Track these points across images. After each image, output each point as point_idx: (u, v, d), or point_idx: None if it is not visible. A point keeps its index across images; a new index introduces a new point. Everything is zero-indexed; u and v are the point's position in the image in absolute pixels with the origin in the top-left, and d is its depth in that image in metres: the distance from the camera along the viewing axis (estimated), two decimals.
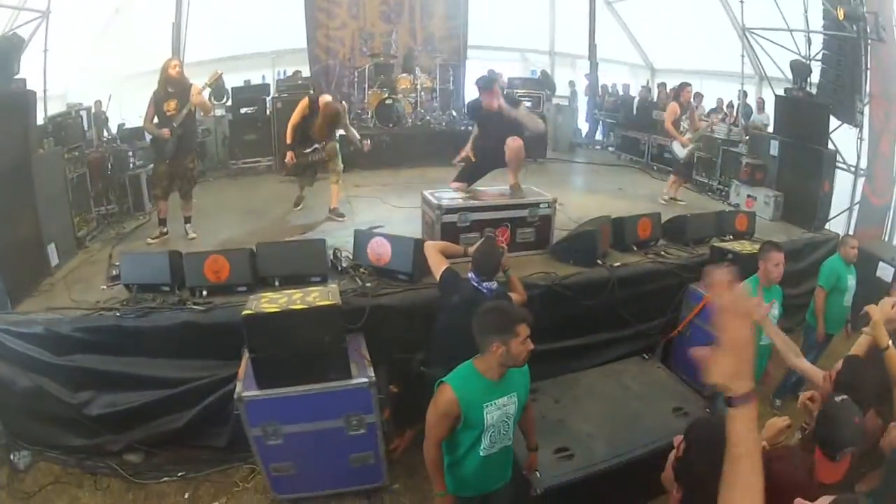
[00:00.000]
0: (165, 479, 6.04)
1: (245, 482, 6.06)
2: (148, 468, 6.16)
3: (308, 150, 9.21)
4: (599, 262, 7.73)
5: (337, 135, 9.50)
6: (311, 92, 10.33)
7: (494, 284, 5.35)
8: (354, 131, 9.76)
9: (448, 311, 5.40)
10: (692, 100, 10.94)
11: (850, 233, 10.41)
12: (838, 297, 7.36)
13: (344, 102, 10.14)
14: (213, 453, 6.33)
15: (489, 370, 3.96)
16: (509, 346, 3.81)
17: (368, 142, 9.95)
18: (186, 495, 5.88)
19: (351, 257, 7.10)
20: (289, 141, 9.16)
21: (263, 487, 5.84)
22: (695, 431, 2.68)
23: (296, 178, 9.97)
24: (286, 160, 9.31)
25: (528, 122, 8.00)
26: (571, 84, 19.37)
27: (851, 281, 7.44)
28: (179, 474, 6.09)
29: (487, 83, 7.82)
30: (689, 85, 10.73)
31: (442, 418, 3.93)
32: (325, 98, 9.05)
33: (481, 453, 4.05)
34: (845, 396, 3.49)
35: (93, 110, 10.37)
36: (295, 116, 9.15)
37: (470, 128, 9.02)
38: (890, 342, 4.15)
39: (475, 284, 5.29)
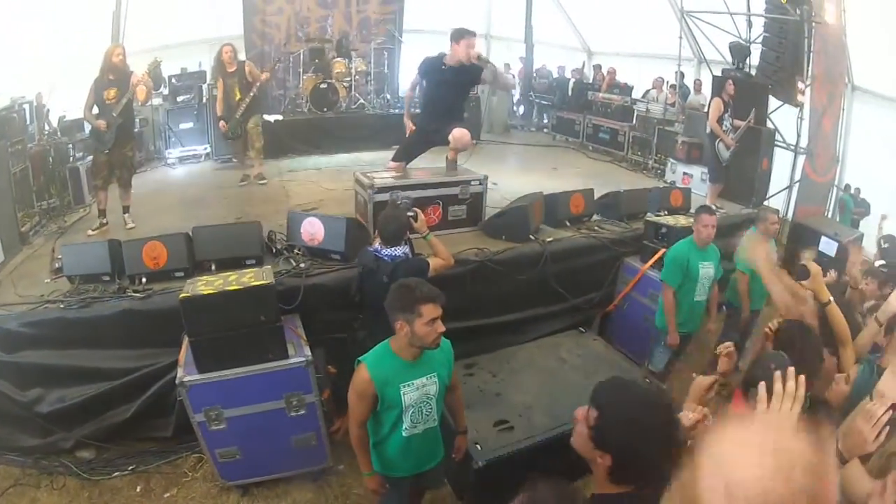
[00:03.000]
0: (117, 473, 6.00)
1: (194, 471, 6.07)
2: (100, 464, 6.12)
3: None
4: (532, 237, 7.84)
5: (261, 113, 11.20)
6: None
7: (399, 251, 5.32)
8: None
9: (360, 282, 5.53)
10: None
11: (791, 209, 10.62)
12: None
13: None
14: (161, 444, 6.34)
15: (402, 350, 3.93)
16: (413, 325, 3.76)
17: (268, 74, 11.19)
18: (139, 489, 5.87)
19: (285, 239, 7.12)
20: (219, 113, 10.77)
21: (212, 475, 5.85)
22: (603, 396, 2.69)
23: (232, 140, 11.22)
24: (220, 128, 10.92)
25: (502, 79, 8.23)
26: (507, 67, 19.42)
27: (773, 255, 7.45)
28: (130, 468, 6.06)
29: (463, 32, 7.52)
30: (730, 79, 10.27)
31: (360, 398, 3.90)
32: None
33: (404, 433, 4.03)
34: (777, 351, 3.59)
35: (34, 103, 10.19)
36: (219, 92, 10.72)
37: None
38: (831, 297, 4.24)
39: (375, 253, 5.32)
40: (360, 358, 3.98)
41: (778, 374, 2.20)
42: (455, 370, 4.36)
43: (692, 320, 6.92)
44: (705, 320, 7.21)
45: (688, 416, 2.94)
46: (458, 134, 7.57)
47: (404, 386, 3.90)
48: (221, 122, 10.70)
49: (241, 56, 11.54)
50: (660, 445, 2.31)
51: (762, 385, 2.19)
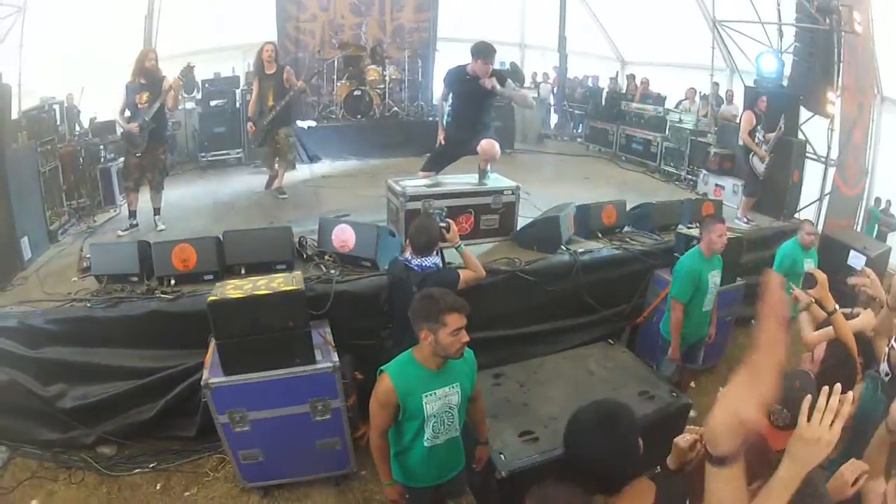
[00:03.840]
0: (138, 470, 6.04)
1: (215, 472, 6.08)
2: (121, 460, 6.17)
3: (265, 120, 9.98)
4: (563, 248, 7.79)
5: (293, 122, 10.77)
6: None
7: (430, 261, 5.31)
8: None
9: (390, 291, 5.51)
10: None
11: (821, 223, 10.51)
12: (794, 282, 7.29)
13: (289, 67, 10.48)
14: (183, 444, 6.37)
15: (426, 359, 3.90)
16: (437, 335, 3.73)
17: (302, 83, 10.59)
18: (158, 486, 5.90)
19: (316, 245, 7.13)
20: (250, 114, 10.22)
21: (233, 476, 5.87)
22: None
23: (262, 147, 10.52)
24: (248, 130, 10.44)
25: (517, 99, 8.07)
26: (545, 76, 19.42)
27: (808, 265, 7.40)
28: (151, 465, 6.09)
29: (485, 50, 7.35)
30: (764, 94, 10.15)
31: (382, 407, 3.87)
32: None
33: (426, 444, 4.01)
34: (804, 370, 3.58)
35: (65, 104, 10.30)
36: (253, 94, 10.16)
37: (437, 118, 8.93)
38: (836, 306, 4.21)
39: (405, 263, 5.30)
40: (382, 367, 3.96)
41: (825, 388, 2.22)
42: (478, 380, 4.33)
43: (699, 330, 6.86)
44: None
45: (685, 437, 2.92)
46: (487, 145, 7.50)
47: (427, 395, 3.88)
48: (250, 124, 10.23)
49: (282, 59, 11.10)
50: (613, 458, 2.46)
51: (806, 399, 2.20)
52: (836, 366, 3.84)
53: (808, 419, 2.12)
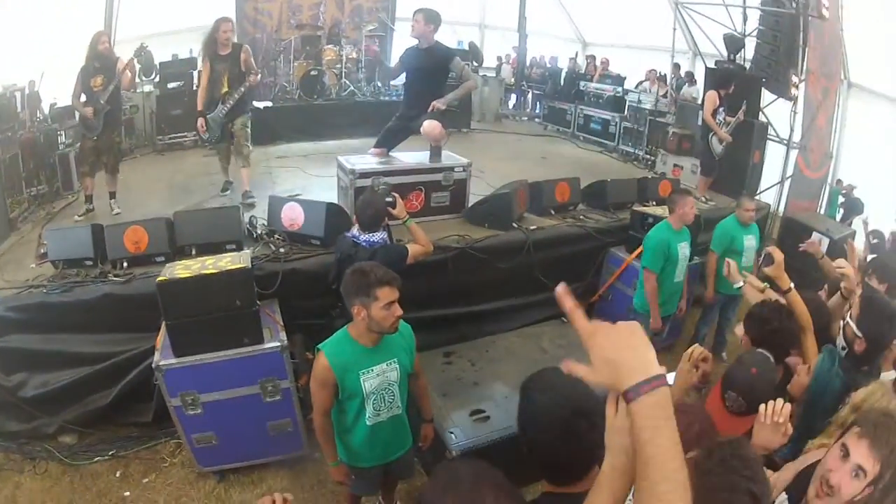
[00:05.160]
0: (98, 459, 6.03)
1: (172, 457, 6.10)
2: (81, 449, 6.15)
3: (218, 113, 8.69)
4: (515, 224, 7.83)
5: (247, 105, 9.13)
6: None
7: (377, 237, 5.33)
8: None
9: (338, 269, 5.45)
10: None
11: (783, 204, 10.61)
12: (735, 259, 7.30)
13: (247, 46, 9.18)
14: (141, 430, 6.37)
15: (361, 335, 3.92)
16: (370, 309, 3.75)
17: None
18: (118, 474, 5.89)
19: (266, 224, 7.14)
20: (199, 107, 8.75)
21: (190, 461, 5.86)
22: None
23: (215, 148, 9.39)
24: (198, 128, 8.84)
25: (463, 94, 8.17)
26: (506, 57, 19.44)
27: (750, 241, 7.60)
28: (110, 453, 6.08)
29: (429, 15, 7.59)
30: (733, 81, 10.03)
31: (321, 386, 3.90)
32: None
33: (368, 422, 4.04)
34: (760, 350, 3.62)
35: (27, 91, 10.18)
36: (203, 78, 8.81)
37: (394, 97, 8.87)
38: (791, 284, 4.24)
39: (353, 239, 5.34)
40: (318, 346, 4.00)
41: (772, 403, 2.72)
42: (418, 356, 4.37)
43: (671, 302, 7.05)
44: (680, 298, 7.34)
45: None
46: (428, 127, 7.52)
47: (364, 373, 3.91)
48: (200, 120, 8.68)
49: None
50: (562, 441, 2.26)
51: (762, 407, 2.77)
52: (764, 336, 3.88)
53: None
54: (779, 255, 4.42)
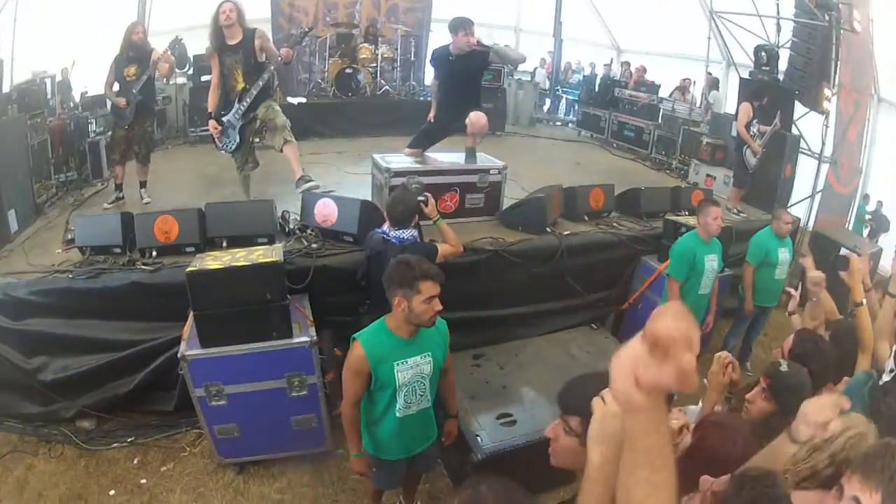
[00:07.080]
0: (116, 444, 6.04)
1: (192, 447, 6.08)
2: (99, 434, 6.17)
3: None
4: (549, 229, 7.74)
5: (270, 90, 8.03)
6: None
7: (407, 234, 5.31)
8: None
9: (367, 266, 5.52)
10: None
11: (813, 219, 10.50)
12: (769, 271, 7.46)
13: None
14: (161, 418, 6.37)
15: (398, 327, 3.92)
16: (411, 302, 3.75)
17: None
18: (136, 461, 5.89)
19: (298, 219, 7.09)
20: (209, 107, 7.77)
21: (210, 452, 5.85)
22: (574, 399, 2.55)
23: (233, 157, 8.27)
24: (211, 130, 7.82)
25: (509, 54, 8.05)
26: (542, 62, 19.39)
27: (784, 254, 7.51)
28: (129, 440, 6.09)
29: (460, 22, 7.33)
30: (767, 95, 10.09)
31: (354, 375, 3.90)
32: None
33: (398, 414, 4.04)
34: (788, 361, 3.49)
35: (58, 78, 10.26)
36: (213, 75, 7.69)
37: (430, 98, 8.82)
38: (864, 299, 4.11)
39: (383, 235, 5.32)
40: (354, 335, 3.97)
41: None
42: (451, 355, 4.37)
43: (696, 314, 6.85)
44: (706, 313, 7.20)
45: (671, 422, 2.85)
46: (475, 117, 7.42)
47: (398, 364, 3.91)
48: (212, 123, 7.71)
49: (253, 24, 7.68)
50: None
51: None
52: (802, 356, 3.71)
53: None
54: (856, 263, 4.27)
